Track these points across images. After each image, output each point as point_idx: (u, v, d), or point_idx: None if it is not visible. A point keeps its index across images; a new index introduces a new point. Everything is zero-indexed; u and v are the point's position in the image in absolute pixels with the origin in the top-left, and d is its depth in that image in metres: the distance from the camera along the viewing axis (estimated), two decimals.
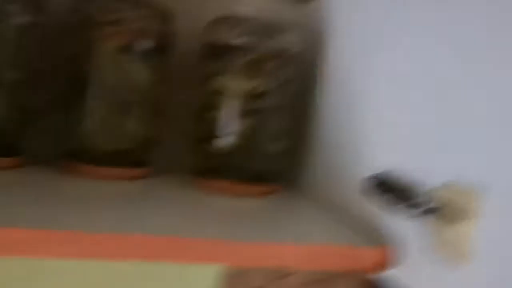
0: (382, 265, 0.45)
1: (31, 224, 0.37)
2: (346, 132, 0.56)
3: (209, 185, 0.58)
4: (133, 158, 0.58)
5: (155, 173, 0.61)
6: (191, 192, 0.57)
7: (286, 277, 0.46)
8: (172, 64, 0.60)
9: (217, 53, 0.58)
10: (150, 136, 0.59)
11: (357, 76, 0.56)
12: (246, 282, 0.45)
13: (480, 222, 0.37)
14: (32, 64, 0.54)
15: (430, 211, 0.40)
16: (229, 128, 0.58)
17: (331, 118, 0.60)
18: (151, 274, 0.43)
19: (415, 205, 0.41)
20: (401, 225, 0.45)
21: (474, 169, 0.39)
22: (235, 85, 0.57)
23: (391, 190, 0.44)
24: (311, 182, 0.64)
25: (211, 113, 0.58)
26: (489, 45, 0.39)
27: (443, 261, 0.40)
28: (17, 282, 0.40)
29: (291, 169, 0.66)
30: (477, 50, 0.40)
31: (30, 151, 0.57)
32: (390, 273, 0.45)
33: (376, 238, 0.47)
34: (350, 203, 0.53)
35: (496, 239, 0.36)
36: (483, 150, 0.38)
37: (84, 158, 0.56)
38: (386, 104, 0.50)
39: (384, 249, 0.45)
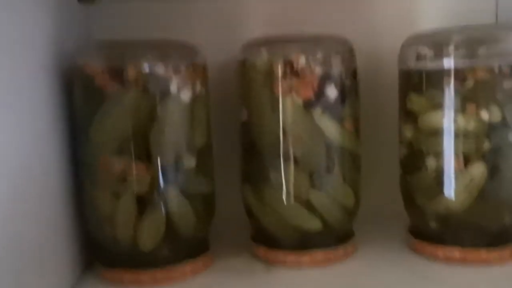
0: None
1: None
2: None
3: (431, 252, 0.45)
4: (339, 233, 0.46)
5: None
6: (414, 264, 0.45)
7: None
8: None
9: (422, 82, 0.45)
10: (355, 204, 0.46)
11: None
12: None
13: None
14: (206, 144, 0.44)
15: None
16: (454, 179, 0.43)
17: None
18: None
19: None
20: None
21: None
22: (457, 120, 0.43)
23: None
24: None
25: (425, 161, 0.45)
26: None
27: None
28: None
29: None
30: None
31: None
32: None
33: None
34: None
35: None
36: None
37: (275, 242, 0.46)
38: None
39: None
